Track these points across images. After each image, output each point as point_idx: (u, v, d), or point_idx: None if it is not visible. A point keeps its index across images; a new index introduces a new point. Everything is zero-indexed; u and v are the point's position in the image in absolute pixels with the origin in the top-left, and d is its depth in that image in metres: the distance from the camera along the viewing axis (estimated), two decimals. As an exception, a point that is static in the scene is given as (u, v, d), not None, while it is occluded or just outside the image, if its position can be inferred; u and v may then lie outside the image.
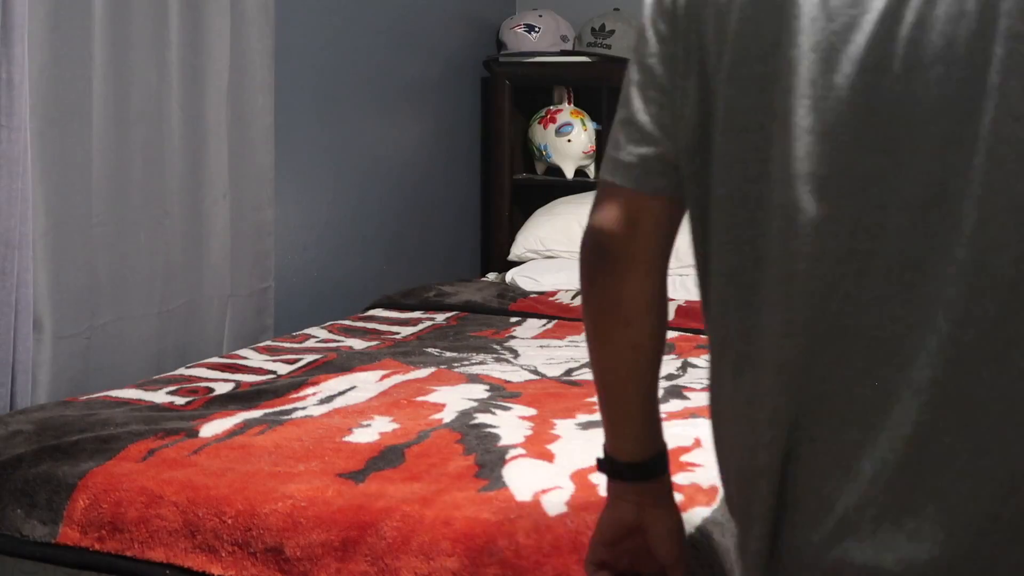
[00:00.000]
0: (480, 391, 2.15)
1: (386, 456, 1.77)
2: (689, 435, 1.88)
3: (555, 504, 1.59)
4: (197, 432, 1.89)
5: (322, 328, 2.79)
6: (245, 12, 2.70)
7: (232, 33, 2.66)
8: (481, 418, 1.97)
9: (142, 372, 2.43)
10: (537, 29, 3.78)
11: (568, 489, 1.64)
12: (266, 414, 2.00)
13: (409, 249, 3.58)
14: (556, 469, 1.71)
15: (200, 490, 1.65)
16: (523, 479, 1.66)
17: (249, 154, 2.75)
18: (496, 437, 1.86)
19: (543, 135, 3.81)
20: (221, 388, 2.20)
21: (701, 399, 2.12)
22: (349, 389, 2.18)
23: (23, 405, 2.15)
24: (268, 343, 2.65)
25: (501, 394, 2.14)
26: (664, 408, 2.04)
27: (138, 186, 2.46)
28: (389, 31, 3.41)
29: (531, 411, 2.02)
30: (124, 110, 2.41)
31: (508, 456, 1.75)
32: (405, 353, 2.50)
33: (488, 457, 1.75)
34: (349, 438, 1.87)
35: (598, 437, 1.84)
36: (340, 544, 1.54)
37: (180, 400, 2.11)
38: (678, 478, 1.70)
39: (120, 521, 1.64)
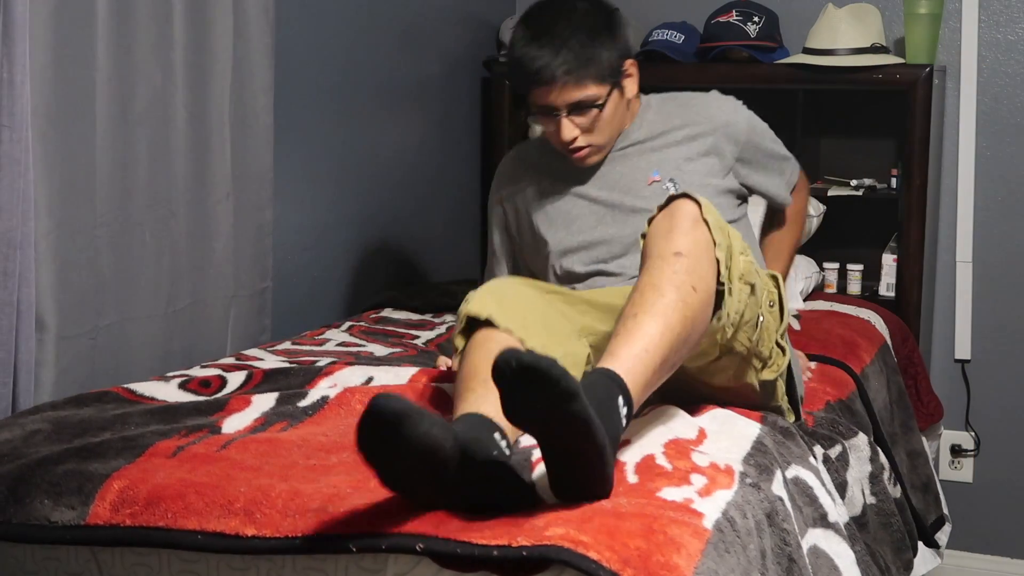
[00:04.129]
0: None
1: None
2: (693, 427, 1.89)
3: None
4: (220, 428, 1.87)
5: (340, 331, 2.76)
6: (247, 11, 2.69)
7: (235, 32, 2.65)
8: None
9: (147, 373, 2.40)
10: (536, 29, 3.78)
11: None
12: (283, 395, 2.00)
13: (408, 249, 3.57)
14: None
15: (241, 473, 1.63)
16: None
17: (250, 154, 2.72)
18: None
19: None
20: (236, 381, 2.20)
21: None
22: (367, 381, 2.16)
23: (26, 406, 2.12)
24: (287, 346, 2.60)
25: None
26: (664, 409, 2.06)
27: (143, 186, 2.43)
28: (388, 31, 3.40)
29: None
30: (128, 110, 2.38)
31: (533, 459, 1.69)
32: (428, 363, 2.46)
33: (517, 457, 1.71)
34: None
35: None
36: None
37: (198, 396, 2.10)
38: (696, 458, 1.71)
39: (156, 497, 1.59)
